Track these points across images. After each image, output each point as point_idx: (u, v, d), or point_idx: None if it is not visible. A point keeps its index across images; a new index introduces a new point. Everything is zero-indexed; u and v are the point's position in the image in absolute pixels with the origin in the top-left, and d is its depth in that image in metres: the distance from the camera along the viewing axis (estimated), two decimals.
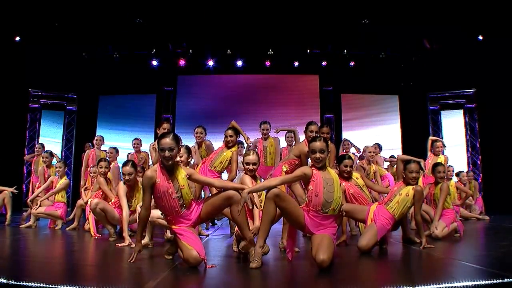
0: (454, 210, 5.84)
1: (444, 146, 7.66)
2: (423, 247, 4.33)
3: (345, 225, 4.87)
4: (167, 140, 3.48)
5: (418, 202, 4.46)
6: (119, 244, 4.66)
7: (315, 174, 3.52)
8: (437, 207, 5.51)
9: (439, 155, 7.31)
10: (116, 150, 7.46)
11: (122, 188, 5.20)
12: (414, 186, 4.46)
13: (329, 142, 5.71)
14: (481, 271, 3.20)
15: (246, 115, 12.64)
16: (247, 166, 4.38)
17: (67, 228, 6.40)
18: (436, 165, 5.78)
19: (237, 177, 7.06)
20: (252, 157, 4.39)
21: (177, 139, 3.56)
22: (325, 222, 3.49)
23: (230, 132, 5.71)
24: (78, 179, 8.52)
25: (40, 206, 6.51)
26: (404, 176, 4.57)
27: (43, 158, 7.33)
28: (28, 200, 7.04)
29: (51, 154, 7.41)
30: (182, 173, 3.57)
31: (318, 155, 3.54)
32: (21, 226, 6.59)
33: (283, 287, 2.99)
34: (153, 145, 5.89)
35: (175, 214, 3.52)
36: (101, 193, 5.91)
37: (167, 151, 3.45)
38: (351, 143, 8.43)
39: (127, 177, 5.13)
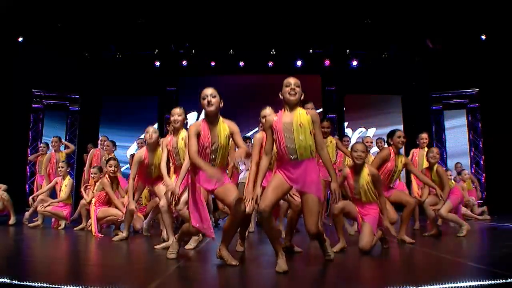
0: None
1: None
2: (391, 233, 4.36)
3: (340, 231, 4.47)
4: (209, 89, 3.55)
5: (378, 183, 4.37)
6: (115, 238, 4.74)
7: (276, 121, 3.40)
8: (443, 190, 5.48)
9: (424, 147, 6.99)
10: (113, 143, 7.35)
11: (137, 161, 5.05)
12: (368, 171, 4.37)
13: (330, 136, 5.53)
14: (484, 271, 3.20)
15: (248, 115, 12.66)
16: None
17: (75, 228, 6.39)
18: (429, 151, 5.85)
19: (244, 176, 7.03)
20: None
21: (219, 92, 3.59)
22: (300, 167, 3.30)
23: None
24: (80, 179, 8.53)
25: (49, 205, 6.51)
26: (352, 157, 4.51)
27: (52, 142, 7.24)
28: (30, 198, 7.06)
29: (60, 140, 7.32)
30: (225, 130, 3.54)
31: (293, 85, 3.38)
32: (29, 224, 6.63)
33: (284, 287, 2.98)
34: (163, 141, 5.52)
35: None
36: (104, 194, 5.91)
37: (209, 96, 3.49)
38: (349, 139, 8.51)
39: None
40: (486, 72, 11.09)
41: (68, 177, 6.85)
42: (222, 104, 3.59)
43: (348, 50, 12.46)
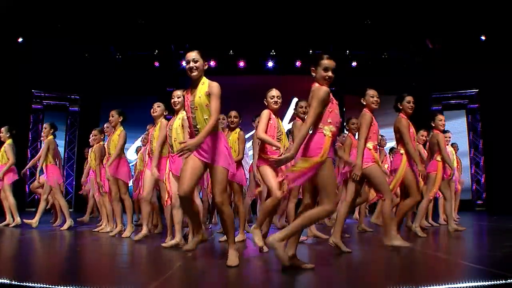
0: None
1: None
2: None
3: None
4: (191, 53, 3.54)
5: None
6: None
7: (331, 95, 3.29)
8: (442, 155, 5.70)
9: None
10: (100, 131, 7.13)
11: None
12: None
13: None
14: (483, 271, 3.20)
15: (247, 115, 12.63)
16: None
17: (94, 229, 6.38)
18: (434, 115, 6.06)
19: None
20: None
21: (203, 54, 3.56)
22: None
23: (234, 113, 5.56)
24: (80, 180, 8.49)
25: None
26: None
27: (95, 135, 7.03)
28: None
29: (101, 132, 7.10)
30: (203, 90, 3.47)
31: (330, 73, 3.24)
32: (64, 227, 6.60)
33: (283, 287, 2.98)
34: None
35: (190, 135, 3.54)
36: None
37: (191, 62, 3.49)
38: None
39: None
40: (485, 72, 11.09)
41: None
42: (206, 66, 3.57)
43: (348, 51, 12.46)
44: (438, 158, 5.75)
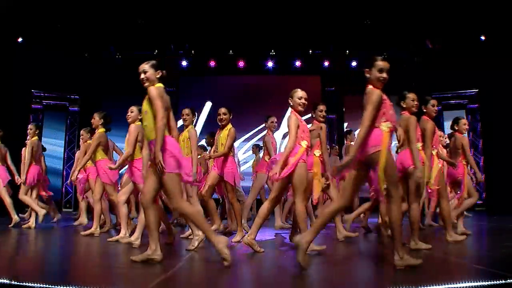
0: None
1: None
2: None
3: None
4: (142, 65, 3.71)
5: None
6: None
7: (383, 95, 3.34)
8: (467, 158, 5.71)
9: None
10: (87, 131, 7.19)
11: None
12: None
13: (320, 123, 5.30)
14: (483, 271, 3.20)
15: (248, 115, 12.65)
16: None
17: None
18: (458, 118, 5.92)
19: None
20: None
21: (154, 65, 3.74)
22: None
23: (223, 110, 5.35)
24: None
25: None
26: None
27: (82, 135, 7.17)
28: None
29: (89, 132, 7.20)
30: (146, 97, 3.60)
31: (385, 74, 3.38)
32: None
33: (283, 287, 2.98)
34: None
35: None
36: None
37: (141, 74, 3.67)
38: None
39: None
40: (485, 72, 11.09)
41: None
42: (159, 75, 3.71)
43: (347, 51, 12.46)
44: (464, 161, 5.73)
